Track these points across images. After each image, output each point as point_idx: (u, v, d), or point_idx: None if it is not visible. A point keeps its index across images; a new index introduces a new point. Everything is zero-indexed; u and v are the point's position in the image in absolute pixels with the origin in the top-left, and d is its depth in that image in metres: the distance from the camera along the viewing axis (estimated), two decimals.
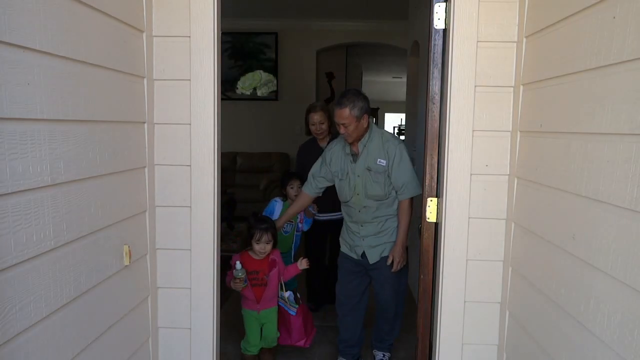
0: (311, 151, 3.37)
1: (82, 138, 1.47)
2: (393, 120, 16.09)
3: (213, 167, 2.02)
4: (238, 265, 2.56)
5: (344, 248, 2.80)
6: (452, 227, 1.97)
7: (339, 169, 2.69)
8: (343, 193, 2.69)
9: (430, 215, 2.06)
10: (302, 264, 2.74)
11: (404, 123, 7.94)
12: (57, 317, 1.35)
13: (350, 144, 2.60)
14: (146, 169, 1.95)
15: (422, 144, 2.15)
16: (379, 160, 2.55)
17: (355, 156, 2.62)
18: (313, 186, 2.81)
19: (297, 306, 2.75)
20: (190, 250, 2.05)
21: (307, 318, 2.85)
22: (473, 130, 1.92)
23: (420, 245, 2.13)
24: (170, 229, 2.04)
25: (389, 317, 2.79)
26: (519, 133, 1.86)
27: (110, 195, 1.65)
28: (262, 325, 2.72)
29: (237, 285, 2.59)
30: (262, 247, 2.63)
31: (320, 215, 3.37)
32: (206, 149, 2.00)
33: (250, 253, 2.69)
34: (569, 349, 1.42)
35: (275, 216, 3.08)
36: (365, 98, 2.53)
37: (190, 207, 2.03)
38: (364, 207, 2.61)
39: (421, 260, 2.11)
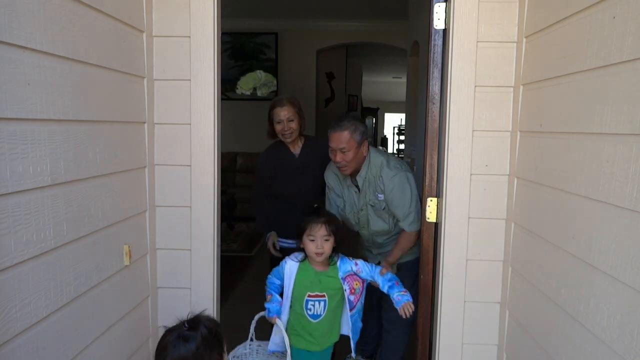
0: (282, 159, 2.69)
1: (82, 138, 1.47)
2: (393, 120, 16.09)
3: (213, 167, 2.02)
4: None
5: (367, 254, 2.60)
6: (452, 227, 1.97)
7: (343, 199, 2.41)
8: (348, 224, 2.47)
9: (430, 215, 2.06)
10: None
11: (404, 123, 7.94)
12: (57, 317, 1.35)
13: (350, 175, 2.31)
14: (146, 169, 1.95)
15: (422, 144, 2.15)
16: (378, 195, 2.29)
17: (358, 188, 2.35)
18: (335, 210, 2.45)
19: None
20: (190, 250, 2.05)
21: None
22: (473, 130, 1.92)
23: (420, 245, 2.13)
24: (170, 229, 2.04)
25: (389, 342, 2.55)
26: (518, 133, 1.86)
27: (110, 195, 1.65)
28: None
29: None
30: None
31: (285, 240, 2.68)
32: (206, 149, 2.00)
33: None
34: (569, 349, 1.42)
35: (288, 281, 2.07)
36: (365, 125, 2.26)
37: (190, 207, 2.03)
38: (373, 238, 2.46)
39: (421, 260, 2.11)
